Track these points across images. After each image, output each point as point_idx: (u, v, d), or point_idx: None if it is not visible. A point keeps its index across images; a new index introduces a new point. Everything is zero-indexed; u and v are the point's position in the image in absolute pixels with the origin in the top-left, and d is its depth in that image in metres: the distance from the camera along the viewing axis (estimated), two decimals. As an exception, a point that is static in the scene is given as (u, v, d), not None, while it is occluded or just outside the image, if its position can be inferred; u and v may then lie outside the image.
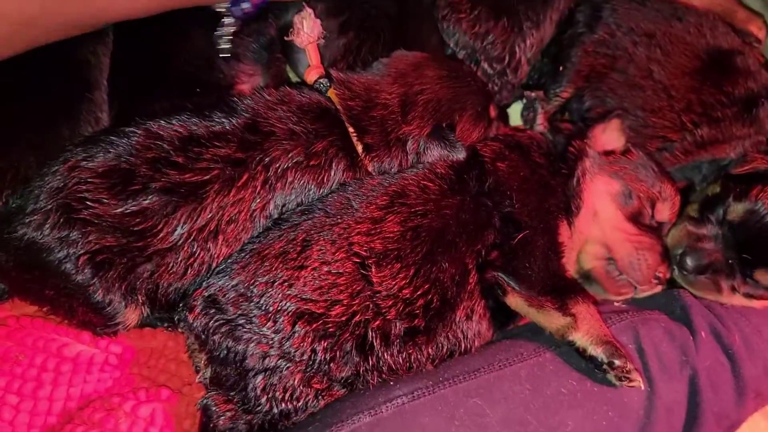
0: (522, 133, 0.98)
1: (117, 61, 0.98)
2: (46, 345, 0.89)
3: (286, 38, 1.00)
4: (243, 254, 0.81)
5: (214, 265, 0.84)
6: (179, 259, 0.82)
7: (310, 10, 0.99)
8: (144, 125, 0.84)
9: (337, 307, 0.77)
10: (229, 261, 0.82)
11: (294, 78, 1.10)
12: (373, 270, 0.78)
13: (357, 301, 0.77)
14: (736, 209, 0.86)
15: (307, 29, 0.98)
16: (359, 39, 1.02)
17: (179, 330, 0.87)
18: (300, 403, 0.79)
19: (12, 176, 0.87)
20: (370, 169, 0.89)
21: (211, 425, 0.81)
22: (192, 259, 0.83)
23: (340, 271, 0.78)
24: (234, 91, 0.99)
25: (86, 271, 0.80)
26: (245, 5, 0.75)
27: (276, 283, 0.77)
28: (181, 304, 0.83)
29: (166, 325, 0.93)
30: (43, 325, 0.91)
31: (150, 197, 0.80)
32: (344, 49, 1.02)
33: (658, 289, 0.91)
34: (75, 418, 0.87)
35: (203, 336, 0.79)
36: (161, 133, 0.83)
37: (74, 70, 0.94)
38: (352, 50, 1.02)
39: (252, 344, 0.77)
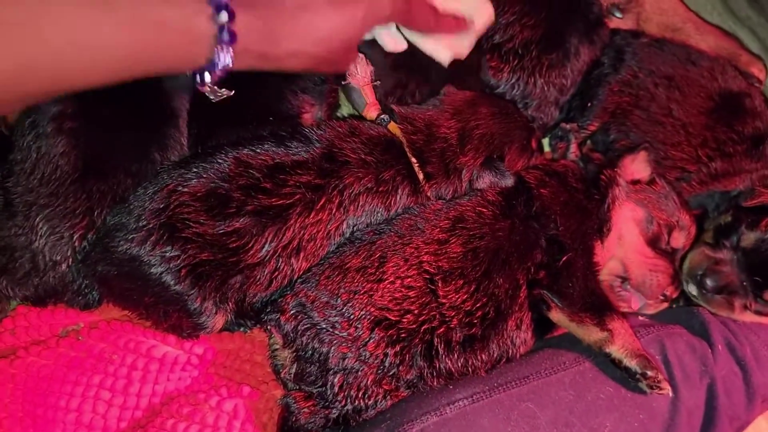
0: (556, 162, 1.10)
1: (196, 91, 1.08)
2: (136, 346, 0.99)
3: (343, 82, 1.12)
4: (325, 267, 0.93)
5: (294, 277, 0.95)
6: (266, 272, 0.93)
7: (362, 55, 1.11)
8: (233, 154, 0.95)
9: (408, 315, 0.88)
10: (311, 273, 0.94)
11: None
12: (440, 285, 0.90)
13: (425, 312, 0.89)
14: (749, 237, 0.99)
15: (361, 72, 1.10)
16: (408, 76, 1.14)
17: (264, 329, 0.97)
18: (371, 402, 0.90)
19: (111, 198, 0.97)
20: (429, 194, 1.01)
21: (293, 419, 0.92)
22: (276, 273, 0.94)
23: (412, 285, 0.90)
24: (300, 120, 1.10)
25: (187, 281, 0.91)
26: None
27: (357, 294, 0.89)
28: (269, 308, 0.94)
29: (242, 329, 1.04)
30: (132, 328, 1.01)
31: (243, 219, 0.91)
32: (395, 84, 1.13)
33: (664, 305, 1.04)
34: (163, 411, 0.97)
35: (292, 336, 0.90)
36: (250, 161, 0.94)
37: (162, 100, 1.04)
38: (401, 85, 1.13)
39: (334, 346, 0.88)
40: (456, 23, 1.03)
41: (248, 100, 1.08)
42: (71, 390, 0.96)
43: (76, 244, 0.96)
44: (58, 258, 0.96)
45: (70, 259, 0.97)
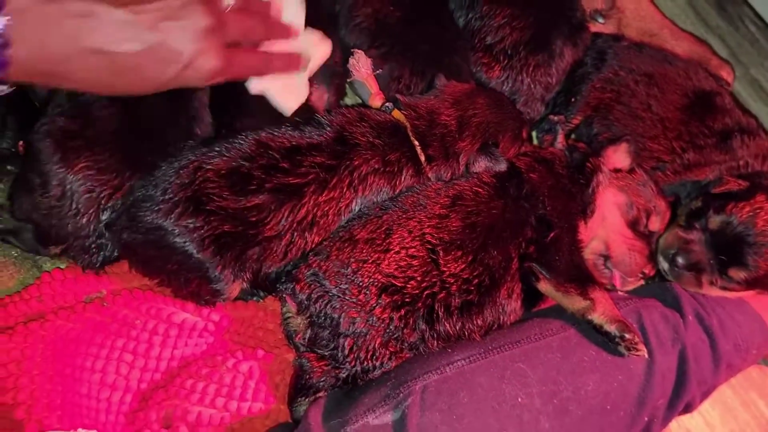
0: (545, 150, 1.20)
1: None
2: (157, 312, 1.07)
3: (349, 79, 1.21)
4: (336, 240, 1.01)
5: (307, 250, 1.03)
6: (281, 245, 1.01)
7: (360, 51, 1.20)
8: (254, 136, 1.03)
9: (412, 282, 0.97)
10: (323, 245, 1.02)
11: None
12: (441, 254, 0.99)
13: (428, 279, 0.98)
14: (716, 220, 1.10)
15: (362, 65, 1.19)
16: (400, 67, 1.23)
17: (279, 298, 1.05)
18: (378, 363, 0.99)
19: (143, 163, 1.05)
20: (430, 175, 1.10)
21: (306, 377, 1.00)
22: (291, 245, 1.02)
23: (415, 255, 0.98)
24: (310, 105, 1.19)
25: (209, 250, 0.98)
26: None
27: (366, 263, 0.97)
28: (284, 279, 1.02)
29: (256, 298, 1.12)
30: (153, 296, 1.08)
31: (262, 195, 0.99)
32: (390, 75, 1.22)
33: (641, 283, 1.14)
34: (182, 373, 1.05)
35: (306, 303, 0.98)
36: (270, 143, 1.02)
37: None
38: (395, 77, 1.23)
39: (345, 312, 0.97)
40: (288, 61, 1.03)
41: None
42: (96, 352, 1.03)
43: (103, 201, 1.04)
44: (82, 209, 1.03)
45: (93, 215, 1.04)
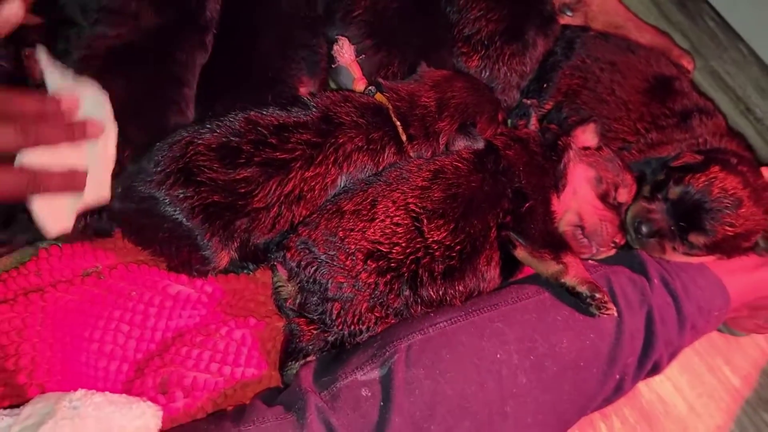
0: (519, 131, 1.27)
1: (207, 65, 1.22)
2: (153, 284, 1.12)
3: (333, 65, 1.28)
4: (324, 212, 1.07)
5: (295, 222, 1.09)
6: (269, 216, 1.07)
7: (344, 38, 1.27)
8: (243, 115, 1.09)
9: (397, 248, 1.03)
10: (312, 217, 1.08)
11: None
12: (425, 222, 1.05)
13: (412, 245, 1.04)
14: (675, 191, 1.18)
15: (346, 51, 1.26)
16: (390, 57, 1.30)
17: (270, 266, 1.11)
18: (364, 327, 1.04)
19: (131, 151, 1.10)
20: (411, 154, 1.16)
21: (296, 341, 1.05)
22: (279, 217, 1.08)
23: (400, 222, 1.05)
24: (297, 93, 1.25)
25: (198, 218, 1.04)
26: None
27: (354, 231, 1.03)
28: (274, 248, 1.08)
29: (246, 271, 1.17)
30: (148, 269, 1.13)
31: (251, 168, 1.05)
32: (379, 65, 1.30)
33: (613, 251, 1.22)
34: (176, 342, 1.10)
35: (296, 270, 1.04)
36: (259, 121, 1.08)
37: (174, 69, 1.18)
38: (385, 65, 1.30)
39: (332, 277, 1.02)
40: (68, 180, 0.89)
41: (248, 74, 1.23)
42: (94, 322, 1.08)
43: None
44: None
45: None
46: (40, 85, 1.15)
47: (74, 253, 1.14)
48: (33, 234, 1.15)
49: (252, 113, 1.09)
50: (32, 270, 1.12)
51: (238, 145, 1.06)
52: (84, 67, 1.10)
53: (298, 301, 1.06)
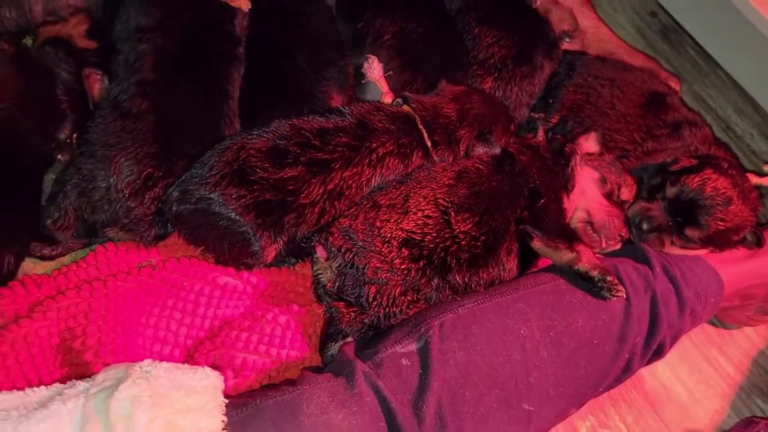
0: (530, 139, 1.41)
1: (245, 82, 1.35)
2: (203, 276, 1.22)
3: (362, 81, 1.41)
4: (362, 206, 1.19)
5: (336, 216, 1.21)
6: (315, 212, 1.19)
7: (374, 56, 1.41)
8: (289, 122, 1.21)
9: (428, 237, 1.15)
10: (351, 210, 1.20)
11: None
12: (452, 215, 1.18)
13: (441, 234, 1.16)
14: (672, 190, 1.32)
15: (376, 69, 1.40)
16: (414, 75, 1.44)
17: (310, 250, 1.21)
18: (398, 309, 1.15)
19: (185, 162, 1.21)
20: (435, 158, 1.29)
21: (335, 323, 1.16)
22: (323, 212, 1.19)
23: (430, 215, 1.17)
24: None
25: (251, 215, 1.15)
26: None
27: (389, 222, 1.15)
28: (318, 235, 1.19)
29: (287, 264, 1.28)
30: (197, 262, 1.23)
31: (298, 168, 1.17)
32: (404, 82, 1.44)
33: (620, 245, 1.35)
34: (225, 327, 1.19)
35: (336, 253, 1.15)
36: (303, 126, 1.21)
37: (219, 83, 1.30)
38: (409, 82, 1.44)
39: (369, 261, 1.13)
40: None
41: (284, 89, 1.36)
42: (149, 310, 1.18)
43: (145, 186, 1.18)
44: (127, 191, 1.17)
45: (139, 197, 1.18)
46: (97, 104, 1.28)
47: (128, 249, 1.24)
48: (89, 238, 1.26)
49: (296, 120, 1.22)
50: (91, 263, 1.22)
51: (286, 146, 1.18)
52: (140, 90, 1.22)
53: (336, 284, 1.16)
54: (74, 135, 1.29)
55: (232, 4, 1.35)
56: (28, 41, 1.38)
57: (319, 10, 1.45)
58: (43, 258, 1.23)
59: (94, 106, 1.28)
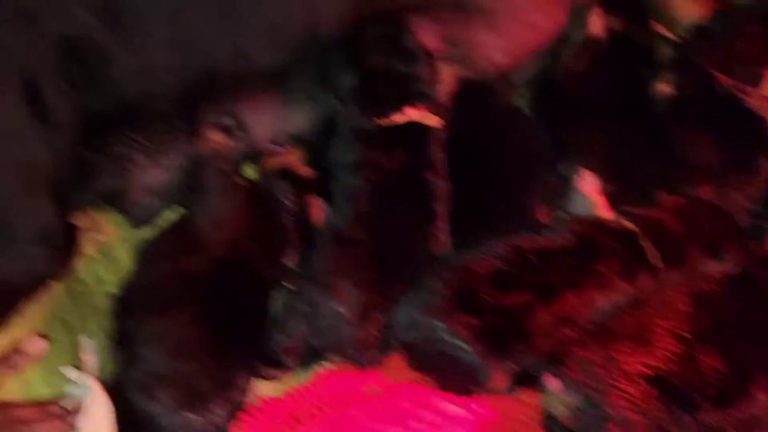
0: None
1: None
2: (426, 401, 1.21)
3: (572, 195, 1.38)
4: (594, 335, 1.14)
5: (566, 344, 1.16)
6: (543, 339, 1.14)
7: (585, 169, 1.38)
8: (508, 242, 1.20)
9: (673, 372, 1.09)
10: (583, 338, 1.14)
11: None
12: (697, 348, 1.10)
13: (686, 369, 1.09)
14: None
15: (591, 182, 1.36)
16: (626, 187, 1.39)
17: (542, 380, 1.16)
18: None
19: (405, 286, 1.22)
20: (662, 278, 1.22)
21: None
22: (552, 340, 1.15)
23: (673, 348, 1.10)
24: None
25: (482, 345, 1.13)
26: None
27: (630, 355, 1.09)
28: (550, 366, 1.14)
29: (509, 392, 1.24)
30: (420, 388, 1.22)
31: (523, 292, 1.14)
32: (615, 193, 1.38)
33: None
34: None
35: (574, 387, 1.09)
36: (523, 247, 1.19)
37: (429, 205, 1.31)
38: (622, 194, 1.38)
39: (612, 399, 1.07)
40: None
41: (492, 205, 1.36)
42: (377, 438, 1.17)
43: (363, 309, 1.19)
44: (353, 318, 1.18)
45: (363, 321, 1.19)
46: (318, 232, 1.33)
47: (351, 373, 1.26)
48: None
49: (515, 239, 1.20)
50: (318, 386, 1.24)
51: (509, 270, 1.16)
52: (358, 220, 1.26)
53: (570, 419, 1.10)
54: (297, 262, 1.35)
55: (425, 122, 1.36)
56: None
57: (523, 121, 1.45)
58: (267, 379, 1.28)
59: (316, 234, 1.34)
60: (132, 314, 1.16)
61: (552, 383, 1.13)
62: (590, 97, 1.49)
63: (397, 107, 1.31)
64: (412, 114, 1.32)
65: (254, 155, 1.44)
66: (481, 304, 1.14)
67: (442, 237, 1.31)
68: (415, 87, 1.34)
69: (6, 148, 1.16)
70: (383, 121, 1.31)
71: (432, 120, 1.35)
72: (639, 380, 1.07)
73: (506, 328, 1.14)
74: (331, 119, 1.43)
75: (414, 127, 1.32)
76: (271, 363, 1.25)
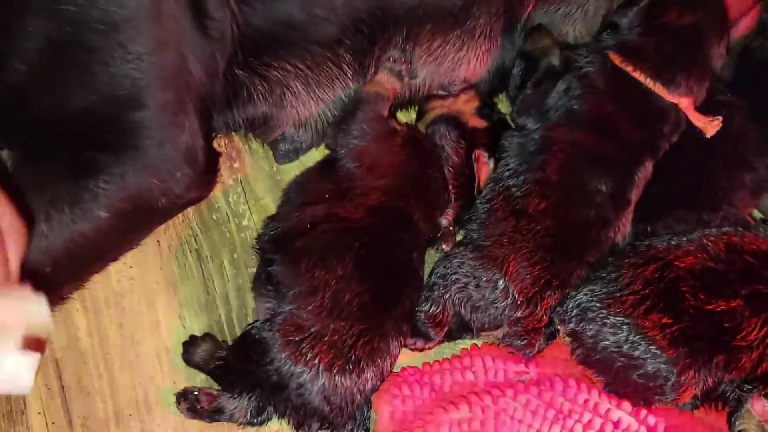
0: None
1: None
2: (594, 406, 1.05)
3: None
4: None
5: (776, 364, 0.98)
6: (751, 357, 0.97)
7: None
8: (725, 238, 1.02)
9: None
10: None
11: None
12: None
13: None
14: None
15: None
16: None
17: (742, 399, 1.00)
18: None
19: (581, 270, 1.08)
20: None
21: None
22: (762, 359, 0.97)
23: None
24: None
25: (678, 351, 0.96)
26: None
27: None
28: (758, 387, 0.97)
29: (689, 407, 1.07)
30: (588, 388, 1.07)
31: (737, 300, 0.97)
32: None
33: None
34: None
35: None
36: (744, 248, 1.01)
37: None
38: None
39: None
40: None
41: (696, 193, 1.17)
42: (529, 433, 1.03)
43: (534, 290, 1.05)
44: (520, 298, 1.05)
45: (530, 304, 1.06)
46: (480, 190, 1.18)
47: (505, 355, 1.12)
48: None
49: (735, 237, 1.02)
50: (467, 365, 1.11)
51: (724, 273, 0.98)
52: (539, 190, 1.09)
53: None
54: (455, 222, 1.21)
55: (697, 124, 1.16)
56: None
57: (738, 102, 1.23)
58: (411, 349, 1.15)
59: (478, 192, 1.19)
60: (283, 257, 1.04)
61: (761, 408, 0.95)
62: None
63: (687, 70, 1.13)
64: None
65: (421, 100, 1.29)
66: (683, 304, 0.97)
67: (627, 225, 1.14)
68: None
69: (163, 54, 1.05)
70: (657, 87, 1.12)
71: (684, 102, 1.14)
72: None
73: (708, 337, 0.96)
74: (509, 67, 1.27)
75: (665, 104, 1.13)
76: (416, 333, 1.12)
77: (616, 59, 1.13)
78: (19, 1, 0.97)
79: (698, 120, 1.13)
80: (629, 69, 1.12)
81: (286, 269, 1.02)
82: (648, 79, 1.12)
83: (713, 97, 1.19)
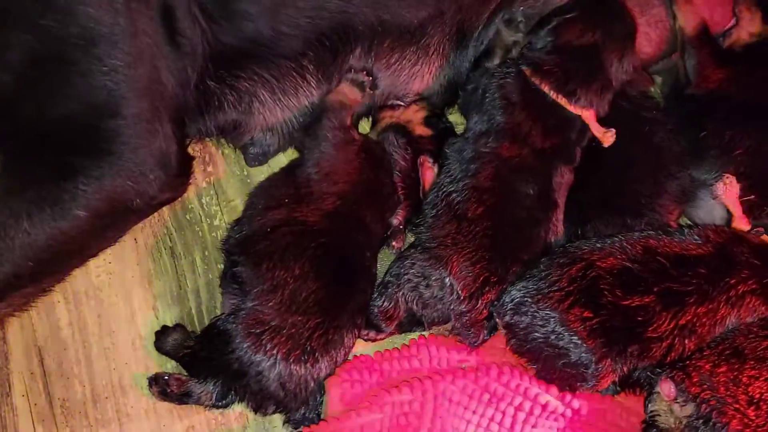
0: None
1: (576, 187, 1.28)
2: (525, 391, 1.16)
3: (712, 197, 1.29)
4: (720, 353, 1.07)
5: (684, 355, 1.09)
6: (661, 347, 1.08)
7: (732, 177, 1.27)
8: (641, 242, 1.13)
9: None
10: (704, 353, 1.08)
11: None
12: None
13: None
14: None
15: (733, 189, 1.26)
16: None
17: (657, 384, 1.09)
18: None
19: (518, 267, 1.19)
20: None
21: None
22: (670, 349, 1.08)
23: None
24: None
25: (596, 341, 1.07)
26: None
27: (758, 379, 1.02)
28: (669, 372, 1.07)
29: (610, 392, 1.19)
30: (520, 374, 1.18)
31: (649, 297, 1.08)
32: (752, 205, 1.27)
33: None
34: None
35: (692, 402, 1.03)
36: (658, 250, 1.12)
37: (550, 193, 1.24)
38: (759, 206, 1.28)
39: (731, 421, 1.00)
40: None
41: (620, 199, 1.28)
42: (469, 417, 1.13)
43: (475, 286, 1.16)
44: (463, 294, 1.15)
45: (473, 299, 1.16)
46: (426, 194, 1.29)
47: (449, 345, 1.23)
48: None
49: (650, 240, 1.13)
50: (414, 354, 1.22)
51: (639, 272, 1.10)
52: (476, 196, 1.20)
53: (674, 430, 1.05)
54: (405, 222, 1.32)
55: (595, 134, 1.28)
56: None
57: (661, 117, 1.35)
58: (364, 339, 1.26)
59: (423, 195, 1.30)
60: (246, 259, 1.15)
61: (667, 390, 1.06)
62: (735, 97, 1.37)
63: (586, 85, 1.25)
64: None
65: (374, 110, 1.40)
66: (601, 300, 1.08)
67: (558, 226, 1.26)
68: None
69: (137, 67, 1.15)
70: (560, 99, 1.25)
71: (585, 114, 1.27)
72: (761, 405, 1.00)
73: (624, 329, 1.08)
74: (459, 81, 1.38)
75: (569, 115, 1.25)
76: (370, 325, 1.23)
77: (527, 73, 1.26)
78: (3, 16, 1.07)
79: (597, 130, 1.25)
80: (537, 82, 1.25)
81: (250, 270, 1.13)
82: (552, 92, 1.24)
83: (639, 114, 1.32)
